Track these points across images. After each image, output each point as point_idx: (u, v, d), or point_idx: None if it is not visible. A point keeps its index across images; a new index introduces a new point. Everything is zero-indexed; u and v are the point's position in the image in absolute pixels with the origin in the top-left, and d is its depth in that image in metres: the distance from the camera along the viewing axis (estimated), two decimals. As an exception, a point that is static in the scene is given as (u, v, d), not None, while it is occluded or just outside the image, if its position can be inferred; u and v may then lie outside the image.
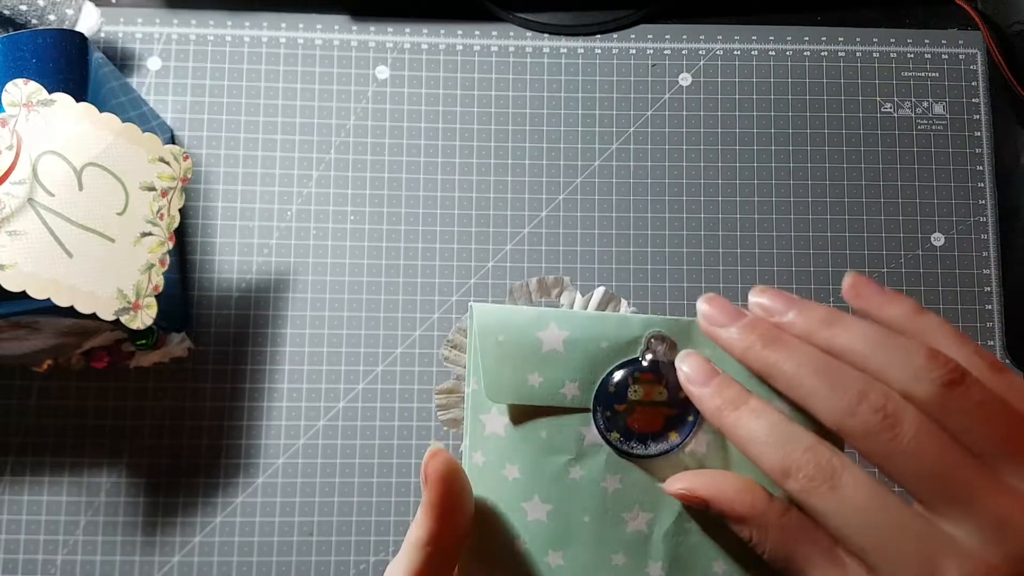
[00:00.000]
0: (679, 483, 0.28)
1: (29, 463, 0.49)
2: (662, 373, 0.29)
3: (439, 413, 0.30)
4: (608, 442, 0.29)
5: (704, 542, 0.29)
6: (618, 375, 0.29)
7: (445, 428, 0.30)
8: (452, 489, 0.27)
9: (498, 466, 0.28)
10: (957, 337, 0.25)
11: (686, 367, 0.28)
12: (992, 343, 0.53)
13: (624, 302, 0.32)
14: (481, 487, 0.29)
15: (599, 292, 0.29)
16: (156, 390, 0.50)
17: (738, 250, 0.53)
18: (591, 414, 0.29)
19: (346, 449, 0.50)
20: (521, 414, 0.28)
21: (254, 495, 0.50)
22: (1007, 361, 0.53)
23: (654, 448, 0.29)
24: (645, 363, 0.29)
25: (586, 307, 0.33)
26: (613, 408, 0.29)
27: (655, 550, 0.29)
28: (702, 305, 0.28)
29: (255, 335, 0.51)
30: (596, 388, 0.29)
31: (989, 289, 0.54)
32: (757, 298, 0.27)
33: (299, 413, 0.51)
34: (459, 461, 0.28)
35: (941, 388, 0.23)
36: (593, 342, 0.29)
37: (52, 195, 0.37)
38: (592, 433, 0.29)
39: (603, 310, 0.32)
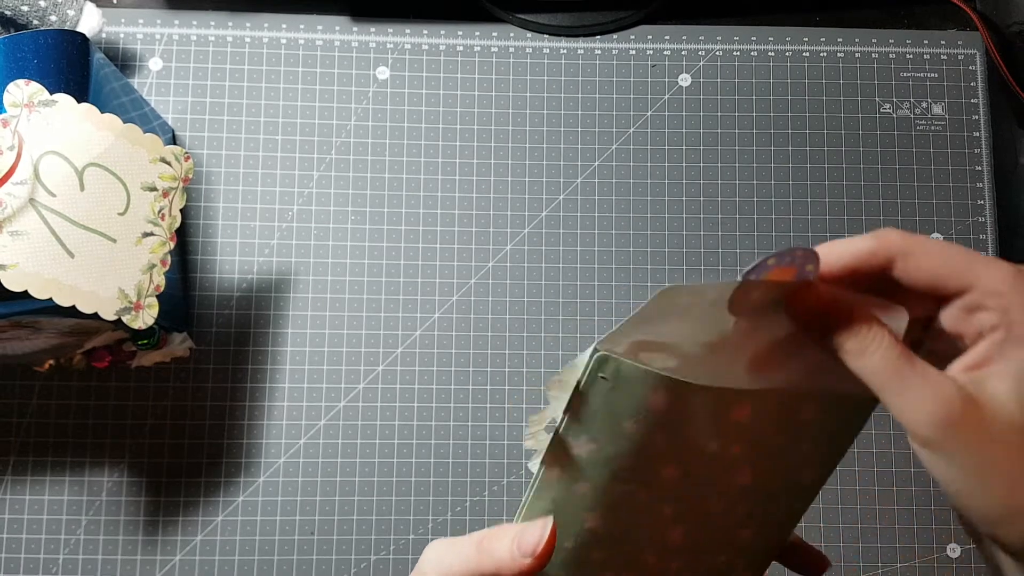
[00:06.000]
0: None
1: (31, 462, 0.50)
2: None
3: (527, 436, 0.31)
4: None
5: (720, 533, 0.30)
6: None
7: (526, 447, 0.31)
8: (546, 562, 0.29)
9: (571, 481, 0.29)
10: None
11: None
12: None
13: None
14: (548, 496, 0.29)
15: None
16: (157, 389, 0.51)
17: (737, 250, 0.54)
18: None
19: (347, 448, 0.51)
20: (605, 443, 0.29)
21: (255, 494, 0.50)
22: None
23: None
24: None
25: None
26: None
27: (682, 553, 0.30)
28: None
29: (256, 335, 0.51)
30: None
31: (988, 289, 0.54)
32: None
33: (300, 412, 0.51)
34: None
35: None
36: None
37: (54, 195, 0.37)
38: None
39: None
